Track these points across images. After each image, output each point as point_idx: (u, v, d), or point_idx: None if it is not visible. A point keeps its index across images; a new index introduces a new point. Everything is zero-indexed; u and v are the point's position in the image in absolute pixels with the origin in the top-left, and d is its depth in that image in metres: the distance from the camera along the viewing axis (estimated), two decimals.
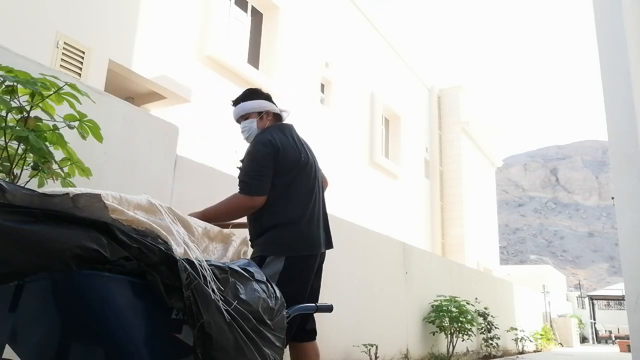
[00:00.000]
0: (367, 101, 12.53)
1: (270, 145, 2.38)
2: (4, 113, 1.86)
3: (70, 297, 1.26)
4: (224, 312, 1.39)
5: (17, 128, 1.84)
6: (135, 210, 1.44)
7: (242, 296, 1.51)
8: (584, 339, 22.80)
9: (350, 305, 5.33)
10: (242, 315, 1.46)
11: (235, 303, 1.45)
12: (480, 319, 8.74)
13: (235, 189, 2.43)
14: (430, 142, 16.38)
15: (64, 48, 5.56)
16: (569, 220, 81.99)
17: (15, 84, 1.84)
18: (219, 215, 2.34)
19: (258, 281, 1.65)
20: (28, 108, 1.91)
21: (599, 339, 23.69)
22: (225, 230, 1.87)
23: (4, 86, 1.85)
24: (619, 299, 24.96)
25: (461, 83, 17.89)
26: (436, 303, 7.26)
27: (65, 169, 2.10)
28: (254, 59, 9.20)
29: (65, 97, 1.97)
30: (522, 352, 11.15)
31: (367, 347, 5.25)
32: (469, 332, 7.37)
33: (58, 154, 2.05)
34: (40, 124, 1.95)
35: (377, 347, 5.37)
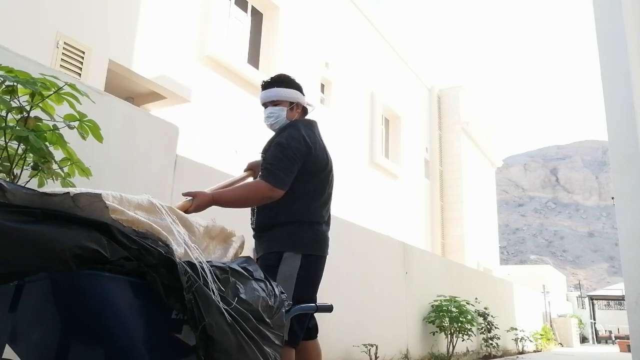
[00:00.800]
0: (367, 101, 12.53)
1: (304, 144, 2.33)
2: (4, 113, 1.86)
3: (70, 297, 1.26)
4: (225, 313, 1.39)
5: (17, 128, 1.84)
6: (136, 210, 1.44)
7: (242, 296, 1.51)
8: (584, 339, 22.80)
9: (350, 305, 5.33)
10: (243, 316, 1.46)
11: (235, 303, 1.45)
12: (480, 319, 8.74)
13: None
14: (430, 142, 16.38)
15: (64, 48, 5.56)
16: (569, 220, 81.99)
17: (15, 84, 1.84)
18: (236, 201, 2.24)
19: (257, 280, 1.65)
20: (28, 108, 1.91)
21: (599, 339, 23.68)
22: (227, 229, 1.87)
23: (4, 86, 1.85)
24: (619, 299, 24.96)
25: (461, 83, 17.89)
26: (436, 303, 7.26)
27: (65, 169, 2.10)
28: (254, 59, 9.20)
29: (65, 97, 1.97)
30: (522, 352, 11.15)
31: (367, 347, 5.25)
32: (469, 332, 7.37)
33: (58, 154, 2.05)
34: (40, 124, 1.95)
35: (377, 347, 5.37)
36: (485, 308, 8.98)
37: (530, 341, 12.33)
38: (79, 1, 5.96)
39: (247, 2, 9.24)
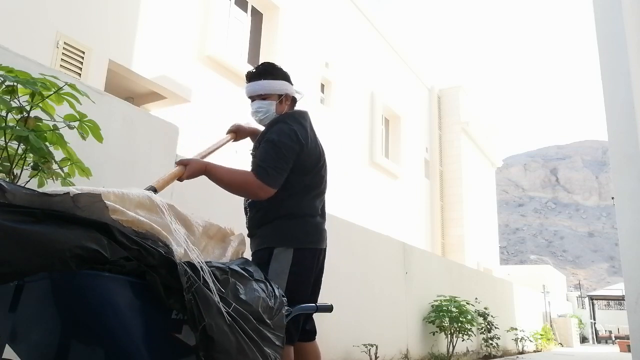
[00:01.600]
0: (367, 101, 12.53)
1: (296, 141, 2.24)
2: (4, 113, 1.86)
3: (70, 297, 1.26)
4: (225, 314, 1.39)
5: (17, 128, 1.84)
6: (137, 208, 1.44)
7: (242, 296, 1.51)
8: (584, 339, 22.80)
9: (350, 305, 5.33)
10: (243, 316, 1.46)
11: (235, 304, 1.45)
12: (480, 319, 8.74)
13: None
14: (430, 142, 16.38)
15: (64, 48, 5.56)
16: (569, 220, 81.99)
17: (15, 84, 1.84)
18: (225, 182, 2.16)
19: (257, 280, 1.65)
20: (28, 108, 1.91)
21: (599, 339, 23.68)
22: (224, 228, 1.86)
23: (4, 86, 1.85)
24: (619, 299, 24.96)
25: (461, 83, 17.89)
26: (436, 303, 7.26)
27: (65, 169, 2.10)
28: (254, 59, 9.20)
29: (65, 97, 1.97)
30: (522, 352, 11.15)
31: (367, 347, 5.25)
32: (469, 332, 7.37)
33: (58, 154, 2.05)
34: (40, 124, 1.95)
35: (377, 347, 5.37)
36: (485, 308, 8.98)
37: (530, 341, 12.33)
38: (79, 1, 5.96)
39: (247, 2, 9.24)
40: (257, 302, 1.55)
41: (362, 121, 12.20)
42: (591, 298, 25.71)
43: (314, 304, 2.08)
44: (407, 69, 15.20)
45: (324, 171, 2.42)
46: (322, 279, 2.46)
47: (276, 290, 1.71)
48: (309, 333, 2.37)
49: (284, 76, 2.46)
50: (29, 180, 1.99)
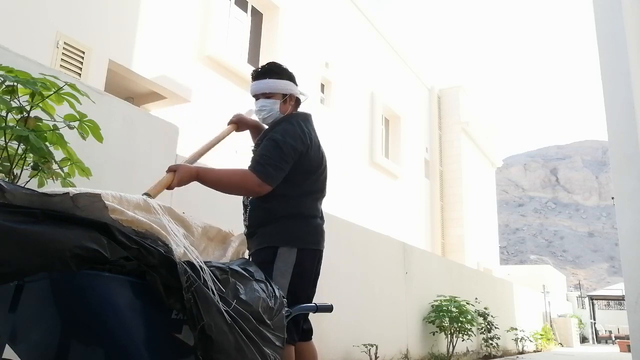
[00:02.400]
0: (367, 101, 12.53)
1: (300, 142, 2.25)
2: (4, 113, 1.86)
3: (70, 297, 1.26)
4: (225, 313, 1.39)
5: (17, 128, 1.84)
6: (135, 210, 1.44)
7: (242, 296, 1.51)
8: (584, 339, 22.80)
9: (350, 305, 5.33)
10: (243, 316, 1.46)
11: (235, 304, 1.45)
12: (480, 319, 8.74)
13: None
14: (430, 142, 16.38)
15: (64, 48, 5.56)
16: (569, 220, 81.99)
17: (15, 84, 1.84)
18: (221, 184, 2.17)
19: (257, 281, 1.65)
20: (28, 108, 1.91)
21: (599, 339, 23.68)
22: (224, 231, 1.86)
23: (4, 86, 1.85)
24: (619, 299, 24.96)
25: (461, 83, 17.88)
26: (436, 303, 7.26)
27: (65, 169, 2.10)
28: (254, 59, 9.20)
29: (65, 97, 1.97)
30: (522, 352, 11.15)
31: (367, 347, 5.25)
32: (469, 332, 7.37)
33: (58, 154, 2.05)
34: (40, 124, 1.95)
35: (377, 347, 5.37)
36: (485, 308, 8.98)
37: (530, 341, 12.33)
38: (79, 1, 5.96)
39: (247, 2, 9.24)
40: (257, 303, 1.55)
41: (362, 121, 12.20)
42: (591, 298, 25.71)
43: (313, 304, 2.09)
44: (407, 69, 15.20)
45: (325, 174, 2.44)
46: (323, 279, 2.47)
47: (276, 291, 1.71)
48: (306, 332, 2.38)
49: (289, 76, 2.47)
50: (29, 180, 1.99)
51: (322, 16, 11.01)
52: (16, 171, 1.93)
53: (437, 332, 7.10)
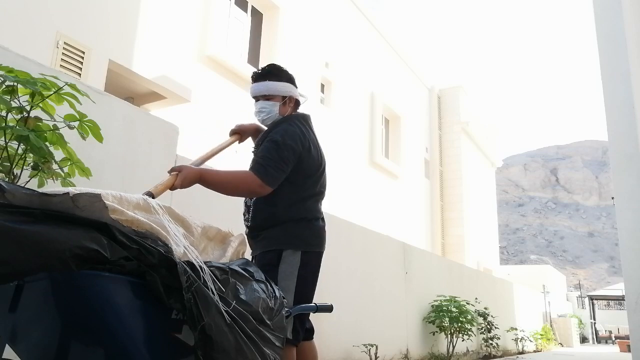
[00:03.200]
0: (367, 101, 12.53)
1: (299, 143, 2.28)
2: (4, 113, 1.86)
3: (70, 297, 1.26)
4: (225, 313, 1.39)
5: (17, 128, 1.84)
6: (135, 210, 1.44)
7: (242, 297, 1.51)
8: (584, 339, 22.80)
9: (350, 305, 5.33)
10: (242, 316, 1.46)
11: (235, 304, 1.45)
12: (480, 319, 8.74)
13: None
14: (430, 142, 16.38)
15: (64, 48, 5.56)
16: (569, 220, 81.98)
17: (15, 84, 1.84)
18: (223, 186, 2.19)
19: (257, 281, 1.65)
20: (28, 108, 1.91)
21: (599, 339, 23.68)
22: (223, 230, 1.86)
23: (4, 86, 1.85)
24: (619, 299, 24.96)
25: (461, 83, 17.89)
26: (436, 303, 7.26)
27: (65, 169, 2.10)
28: (254, 59, 9.20)
29: (65, 97, 1.97)
30: (522, 352, 11.15)
31: (367, 347, 5.25)
32: (469, 332, 7.37)
33: (58, 154, 2.05)
34: (40, 124, 1.95)
35: (377, 347, 5.37)
36: (485, 308, 8.98)
37: (530, 341, 12.33)
38: (79, 1, 5.96)
39: (247, 2, 9.24)
40: (257, 303, 1.55)
41: (362, 121, 12.20)
42: (591, 298, 25.71)
43: (313, 304, 2.10)
44: (407, 69, 15.20)
45: (324, 175, 2.47)
46: (323, 279, 2.50)
47: (276, 291, 1.71)
48: (308, 332, 2.40)
49: (288, 78, 2.49)
50: (29, 180, 1.99)
51: (322, 16, 11.01)
52: (16, 171, 1.93)
53: (437, 332, 7.10)
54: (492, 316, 9.02)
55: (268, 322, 1.57)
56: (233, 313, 1.42)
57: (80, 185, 1.75)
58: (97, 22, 6.12)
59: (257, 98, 2.46)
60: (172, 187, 1.98)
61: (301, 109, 2.58)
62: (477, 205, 17.45)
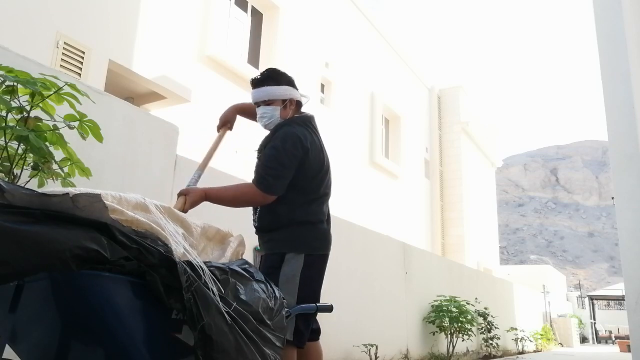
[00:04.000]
0: (367, 101, 12.53)
1: (300, 147, 2.29)
2: (4, 113, 1.86)
3: (70, 297, 1.26)
4: (225, 313, 1.39)
5: (17, 128, 1.84)
6: (135, 210, 1.44)
7: (242, 297, 1.51)
8: (584, 339, 22.80)
9: (350, 305, 5.33)
10: (243, 316, 1.46)
11: (235, 304, 1.45)
12: (480, 319, 8.74)
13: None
14: (430, 142, 16.38)
15: (64, 48, 5.56)
16: (569, 220, 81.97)
17: (15, 84, 1.84)
18: (227, 201, 2.31)
19: (257, 281, 1.65)
20: (28, 108, 1.91)
21: (599, 339, 23.68)
22: (223, 230, 1.86)
23: (4, 86, 1.85)
24: (619, 299, 24.96)
25: (461, 83, 17.88)
26: (436, 303, 7.26)
27: (65, 169, 2.10)
28: (254, 59, 9.20)
29: (65, 97, 1.97)
30: (522, 352, 11.15)
31: (367, 347, 5.25)
32: (469, 332, 7.37)
33: (58, 154, 2.05)
34: (40, 124, 1.95)
35: (377, 347, 5.37)
36: (485, 308, 8.98)
37: (530, 341, 12.33)
38: (79, 1, 5.96)
39: (247, 2, 9.24)
40: (257, 303, 1.55)
41: (362, 121, 12.20)
42: (591, 298, 25.71)
43: (313, 304, 2.10)
44: (407, 69, 15.20)
45: (329, 176, 2.49)
46: (323, 279, 2.49)
47: (276, 291, 1.71)
48: (314, 333, 2.40)
49: (287, 81, 2.49)
50: (29, 180, 1.99)
51: (322, 16, 11.01)
52: (16, 171, 1.93)
53: (437, 332, 7.11)
54: (492, 316, 9.02)
55: (268, 322, 1.57)
56: (233, 313, 1.42)
57: (80, 185, 1.75)
58: (97, 22, 6.12)
59: (257, 104, 2.48)
60: (184, 210, 2.10)
61: (302, 109, 2.59)
62: (477, 205, 17.45)
